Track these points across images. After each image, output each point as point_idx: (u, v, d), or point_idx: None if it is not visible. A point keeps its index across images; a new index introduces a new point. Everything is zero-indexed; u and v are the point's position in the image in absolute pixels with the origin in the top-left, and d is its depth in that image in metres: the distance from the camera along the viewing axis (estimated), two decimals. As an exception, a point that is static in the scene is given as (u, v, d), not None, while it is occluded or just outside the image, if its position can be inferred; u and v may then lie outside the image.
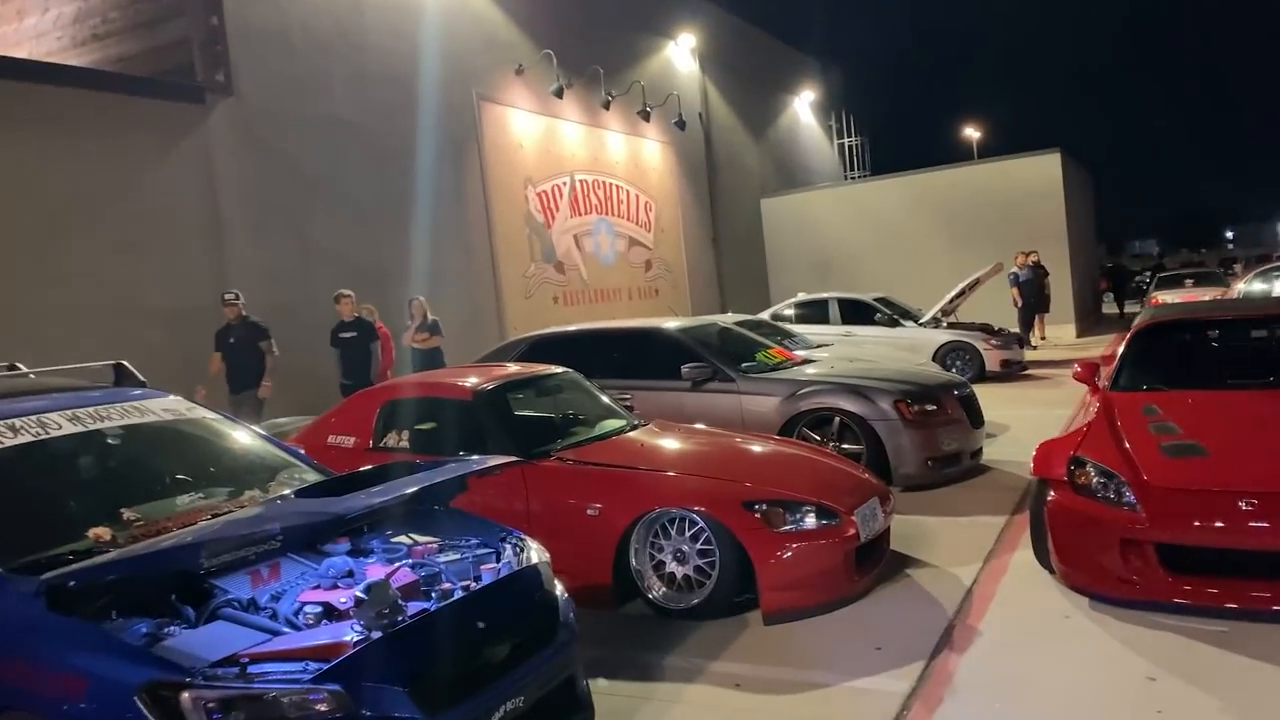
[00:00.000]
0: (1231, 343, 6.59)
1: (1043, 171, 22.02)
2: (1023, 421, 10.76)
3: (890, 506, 5.76)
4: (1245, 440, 5.02)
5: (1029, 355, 16.91)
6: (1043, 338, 19.89)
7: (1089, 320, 24.57)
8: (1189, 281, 21.53)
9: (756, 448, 6.23)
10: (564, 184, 18.25)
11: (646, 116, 19.63)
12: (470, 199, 15.93)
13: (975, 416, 8.26)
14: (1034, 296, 19.43)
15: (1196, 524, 4.58)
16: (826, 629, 5.01)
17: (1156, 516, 4.66)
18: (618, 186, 19.65)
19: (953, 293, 15.77)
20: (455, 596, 3.38)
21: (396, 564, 3.51)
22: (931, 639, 4.73)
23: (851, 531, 5.22)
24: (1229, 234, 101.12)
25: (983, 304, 17.22)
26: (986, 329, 15.75)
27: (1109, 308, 30.33)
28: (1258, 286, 11.88)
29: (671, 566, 5.25)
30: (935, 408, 7.84)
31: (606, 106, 19.00)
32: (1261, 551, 4.49)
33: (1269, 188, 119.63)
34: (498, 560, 3.71)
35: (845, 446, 7.71)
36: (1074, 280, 22.38)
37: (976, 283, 16.13)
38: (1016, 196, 21.86)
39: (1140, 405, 5.76)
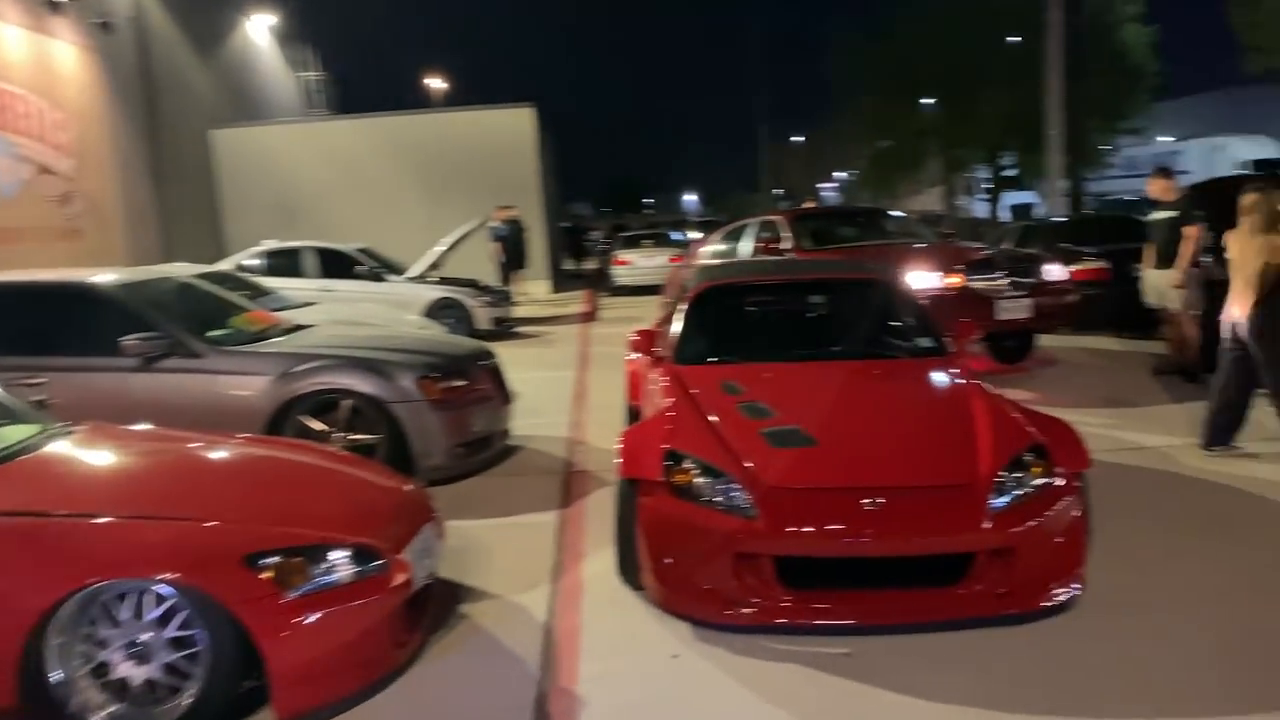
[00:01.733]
0: (795, 308, 6.20)
1: (516, 125, 21.74)
2: (531, 386, 9.90)
3: (443, 530, 4.36)
4: (848, 423, 4.45)
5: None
6: (520, 295, 19.67)
7: (557, 277, 25.12)
8: (647, 242, 22.81)
9: (250, 460, 4.42)
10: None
11: (55, 7, 15.61)
12: None
13: (504, 390, 7.13)
14: (514, 252, 19.09)
15: (823, 530, 3.84)
16: (371, 728, 3.51)
17: (776, 523, 3.85)
18: (16, 95, 15.36)
19: (443, 246, 14.64)
20: None
21: None
22: (522, 721, 3.47)
23: (402, 579, 3.74)
24: (647, 201, 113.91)
25: (459, 259, 16.26)
26: (475, 285, 14.90)
27: (567, 265, 31.60)
28: (727, 246, 12.42)
29: (124, 669, 3.33)
30: (464, 383, 6.55)
31: (-5, -12, 14.69)
32: (892, 558, 3.89)
33: (680, 162, 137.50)
34: None
35: (355, 437, 6.12)
36: (547, 237, 22.58)
37: (465, 236, 15.19)
38: (491, 149, 21.31)
39: (718, 382, 5.01)
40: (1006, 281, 9.19)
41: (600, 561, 4.92)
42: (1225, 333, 6.21)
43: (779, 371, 5.15)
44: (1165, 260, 8.70)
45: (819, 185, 74.88)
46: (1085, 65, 21.49)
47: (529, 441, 7.53)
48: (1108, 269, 11.31)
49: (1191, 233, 8.48)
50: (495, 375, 7.07)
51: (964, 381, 4.90)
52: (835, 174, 70.42)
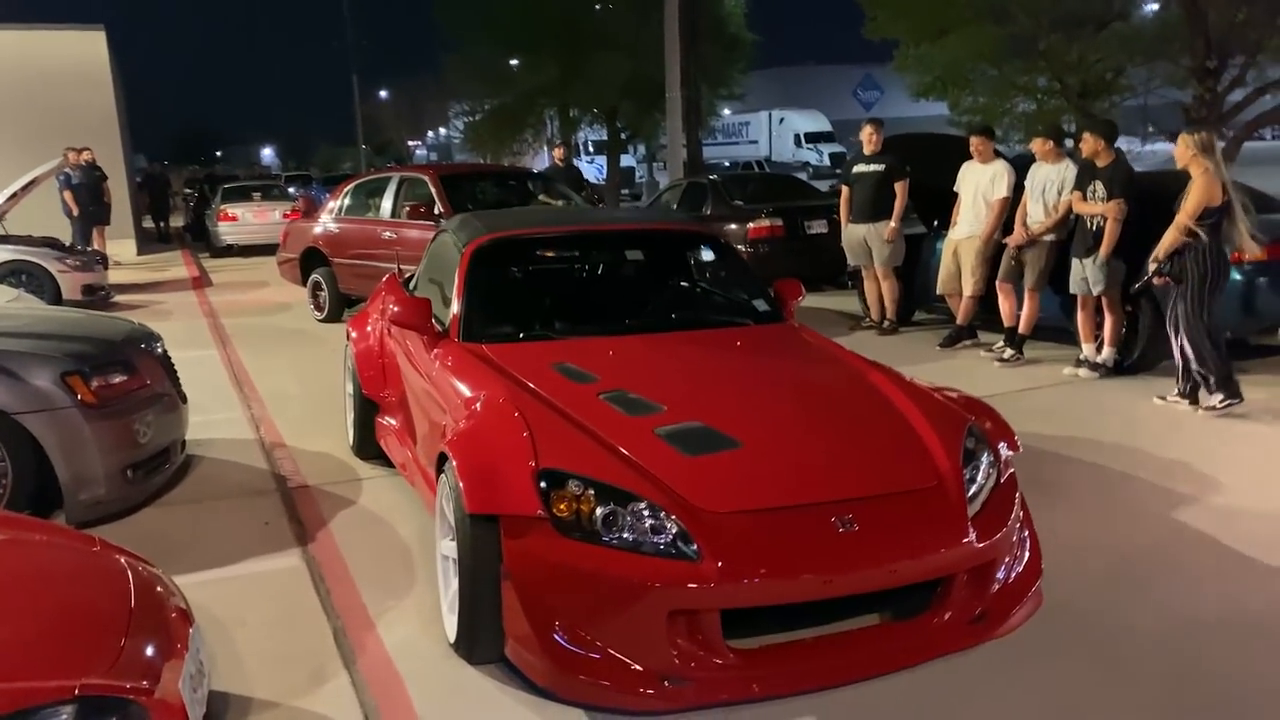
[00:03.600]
0: (603, 267, 5.01)
1: (86, 51, 17.91)
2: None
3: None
4: (757, 415, 3.44)
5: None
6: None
7: (140, 237, 21.29)
8: (257, 195, 19.99)
9: None
10: None
11: None
12: None
13: (177, 383, 5.26)
14: (93, 204, 15.71)
15: (796, 569, 2.83)
16: None
17: (732, 566, 2.78)
18: None
19: (5, 193, 11.45)
20: None
21: None
22: None
23: (172, 729, 2.19)
24: (219, 154, 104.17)
25: (24, 211, 12.87)
26: (56, 244, 11.89)
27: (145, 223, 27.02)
28: (355, 202, 10.73)
29: None
30: (127, 377, 4.65)
31: None
32: (866, 595, 2.98)
33: (257, 114, 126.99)
34: None
35: (-37, 467, 4.07)
36: (130, 188, 19.02)
37: (33, 183, 12.06)
38: (55, 78, 17.36)
39: (547, 364, 3.79)
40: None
41: (402, 624, 3.55)
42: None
43: (619, 348, 4.02)
44: (870, 215, 8.66)
45: (413, 141, 72.54)
46: (698, 31, 22.06)
47: (207, 449, 5.70)
48: (782, 226, 11.32)
49: (902, 187, 8.50)
50: (165, 364, 5.17)
51: (843, 352, 4.13)
52: (434, 130, 68.58)
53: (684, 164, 22.35)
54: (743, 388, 3.68)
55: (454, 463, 3.15)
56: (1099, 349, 7.25)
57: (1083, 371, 7.16)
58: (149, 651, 2.30)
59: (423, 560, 4.07)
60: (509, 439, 3.17)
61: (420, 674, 3.20)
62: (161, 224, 25.75)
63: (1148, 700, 2.98)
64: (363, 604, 3.72)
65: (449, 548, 3.39)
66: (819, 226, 11.40)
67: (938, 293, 8.31)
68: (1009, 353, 7.67)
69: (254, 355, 8.76)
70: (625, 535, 2.86)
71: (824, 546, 2.86)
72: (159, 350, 5.15)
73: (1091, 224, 6.98)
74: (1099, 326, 7.23)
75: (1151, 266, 6.02)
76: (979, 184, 7.95)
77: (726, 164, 37.11)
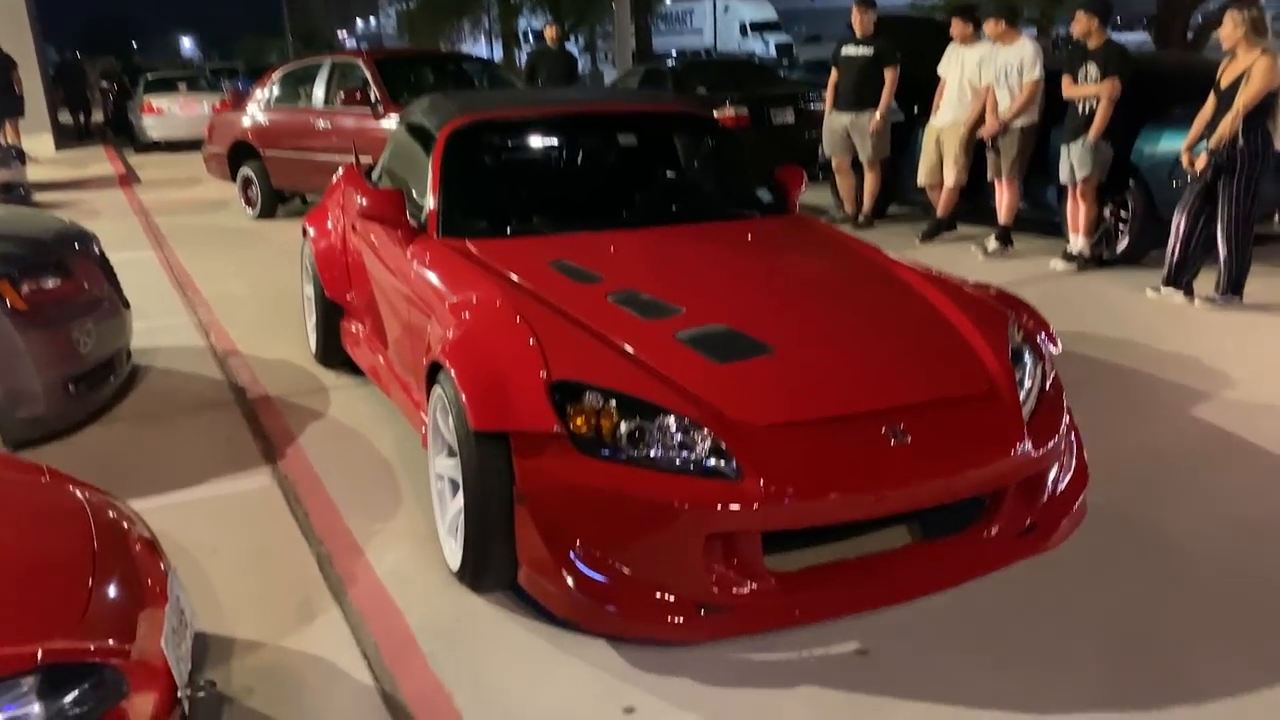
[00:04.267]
0: (593, 153, 4.54)
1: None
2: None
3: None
4: (786, 316, 3.11)
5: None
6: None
7: (59, 131, 19.93)
8: (182, 86, 18.78)
9: None
10: None
11: None
12: None
13: (118, 288, 4.76)
14: (3, 95, 14.63)
15: (848, 486, 2.55)
16: None
17: (776, 484, 2.48)
18: None
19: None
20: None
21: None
22: None
23: (154, 700, 1.86)
24: (134, 45, 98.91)
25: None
26: (-35, 139, 10.99)
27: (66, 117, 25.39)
28: (285, 92, 10.00)
29: None
30: (62, 280, 4.17)
31: None
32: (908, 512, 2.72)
33: (174, 2, 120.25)
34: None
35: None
36: (44, 79, 17.74)
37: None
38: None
39: (543, 262, 3.41)
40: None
41: (393, 549, 3.23)
42: (1200, 164, 5.70)
43: (621, 244, 3.64)
44: (854, 103, 8.24)
45: (341, 31, 69.49)
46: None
47: (153, 358, 5.25)
48: (748, 115, 10.84)
49: (892, 74, 8.06)
50: (103, 266, 4.66)
51: (863, 245, 3.79)
52: (364, 19, 65.62)
53: (632, 54, 21.54)
54: (764, 286, 3.33)
55: (452, 374, 2.79)
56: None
57: (1060, 265, 6.95)
58: (121, 605, 1.95)
59: (407, 476, 3.74)
60: (514, 347, 2.81)
61: (420, 605, 2.89)
62: (81, 117, 24.24)
63: (1208, 610, 2.80)
64: (346, 527, 3.38)
65: (446, 466, 3.06)
66: (786, 116, 10.95)
67: (919, 184, 7.98)
68: (994, 245, 7.43)
69: (193, 256, 8.18)
70: (653, 452, 2.54)
71: (875, 460, 2.57)
72: (95, 251, 4.64)
73: (1083, 107, 6.68)
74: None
75: (1200, 158, 5.70)
76: (965, 68, 7.57)
77: (673, 54, 35.94)
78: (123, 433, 4.29)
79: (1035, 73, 7.06)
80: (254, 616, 2.85)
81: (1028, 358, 3.03)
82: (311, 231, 4.94)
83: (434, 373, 3.04)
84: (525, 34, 40.53)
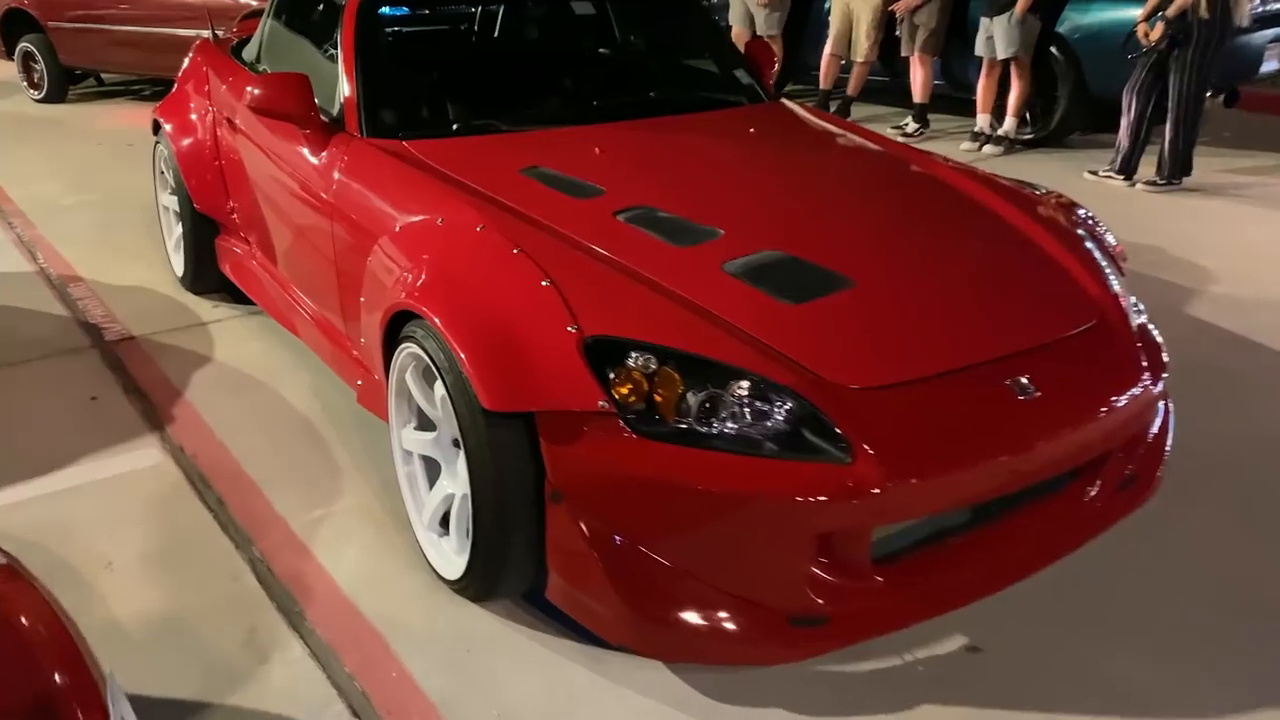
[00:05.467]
0: (552, 24, 3.64)
1: None
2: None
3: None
4: (847, 233, 2.50)
5: None
6: None
7: None
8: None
9: None
10: None
11: None
12: None
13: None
14: None
15: (983, 462, 2.02)
16: None
17: (893, 462, 1.93)
18: None
19: None
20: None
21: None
22: None
23: None
24: None
25: None
26: None
27: None
28: None
29: None
30: None
31: None
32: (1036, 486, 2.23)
33: None
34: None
35: None
36: None
37: None
38: None
39: (512, 168, 2.67)
40: None
41: (348, 545, 2.56)
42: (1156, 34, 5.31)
43: (607, 143, 2.88)
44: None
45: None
46: None
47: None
48: None
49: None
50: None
51: (888, 142, 3.20)
52: None
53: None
54: (805, 196, 2.69)
55: (443, 331, 2.09)
56: (997, 119, 6.69)
57: (988, 148, 6.59)
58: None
59: (337, 437, 3.03)
60: (522, 291, 2.12)
61: (407, 628, 2.25)
62: None
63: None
64: (278, 516, 2.66)
65: (420, 442, 2.39)
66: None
67: (829, 55, 7.38)
68: (913, 126, 7.00)
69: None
70: (729, 428, 1.95)
71: (1006, 423, 2.05)
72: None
73: None
74: (1001, 95, 6.64)
75: (1155, 29, 5.32)
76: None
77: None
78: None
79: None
80: (186, 664, 2.14)
81: (1117, 279, 2.57)
82: (168, 127, 3.95)
83: (399, 321, 2.33)
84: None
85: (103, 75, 9.14)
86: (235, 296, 3.95)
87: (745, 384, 1.97)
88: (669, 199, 2.53)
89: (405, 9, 3.22)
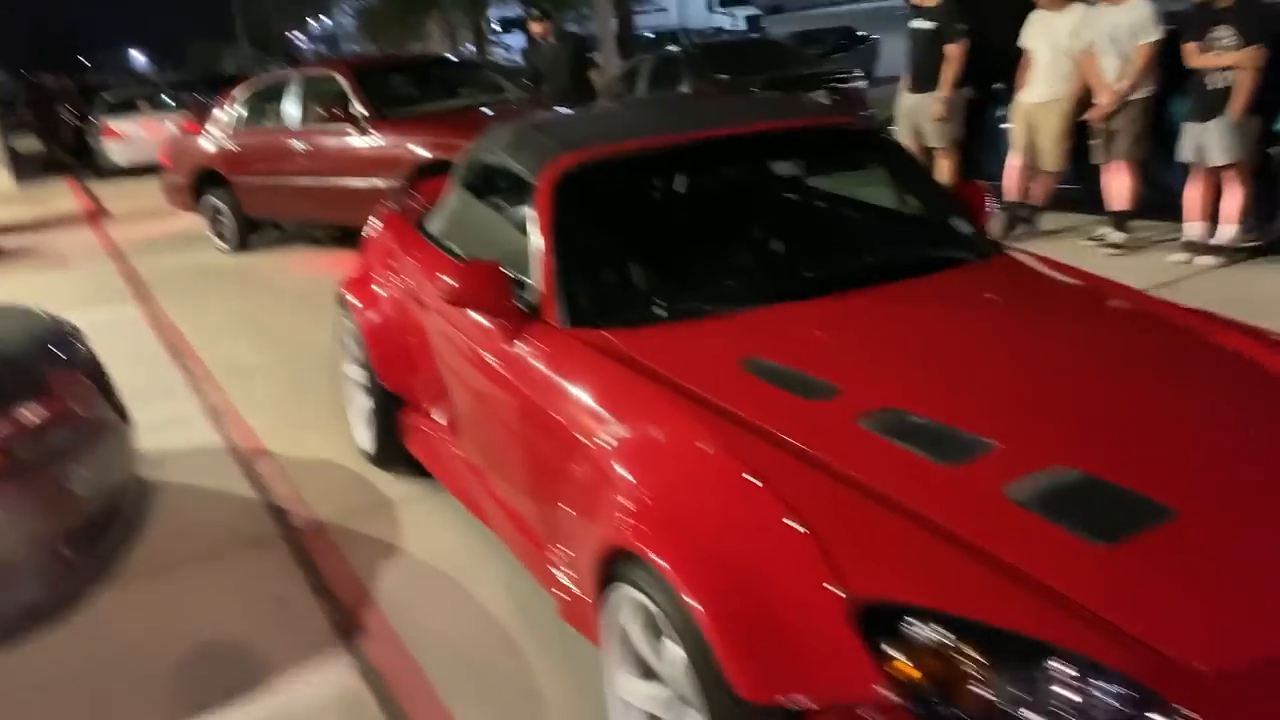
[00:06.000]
0: (748, 189, 3.46)
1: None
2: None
3: None
4: (1158, 446, 2.06)
5: None
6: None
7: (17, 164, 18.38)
8: (143, 104, 17.47)
9: None
10: None
11: None
12: None
13: (115, 399, 3.67)
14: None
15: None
16: None
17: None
18: None
19: None
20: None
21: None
22: None
23: None
24: (82, 59, 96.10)
25: None
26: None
27: (27, 145, 23.45)
28: (251, 112, 8.88)
29: None
30: (40, 406, 3.08)
31: None
32: None
33: (114, 10, 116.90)
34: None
35: None
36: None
37: None
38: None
39: (730, 361, 2.38)
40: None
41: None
42: None
43: (828, 321, 2.59)
44: (924, 83, 7.21)
45: (295, 33, 67.48)
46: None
47: (162, 467, 4.15)
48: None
49: (954, 51, 7.02)
50: (94, 372, 3.58)
51: (1128, 290, 2.80)
52: (316, 19, 63.71)
53: (614, 38, 20.35)
54: (1084, 386, 2.28)
55: (677, 584, 1.78)
56: (1213, 229, 6.08)
57: (1202, 259, 5.99)
58: None
59: (537, 650, 2.74)
60: (765, 534, 1.80)
61: None
62: (50, 149, 22.42)
63: None
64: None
65: (643, 696, 2.07)
66: (820, 99, 9.94)
67: (1016, 164, 6.95)
68: (1118, 236, 6.46)
69: (181, 308, 7.10)
70: None
71: None
72: (81, 353, 3.56)
73: (1214, 80, 5.73)
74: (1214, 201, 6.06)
75: None
76: (1056, 36, 6.58)
77: (650, 35, 34.61)
78: (141, 604, 3.24)
79: (1154, 33, 6.09)
80: None
81: None
82: (355, 301, 3.89)
83: (617, 559, 2.04)
84: (501, 26, 39.01)
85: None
86: (419, 470, 3.80)
87: (1067, 667, 1.57)
88: (918, 397, 2.18)
89: (599, 191, 2.99)
